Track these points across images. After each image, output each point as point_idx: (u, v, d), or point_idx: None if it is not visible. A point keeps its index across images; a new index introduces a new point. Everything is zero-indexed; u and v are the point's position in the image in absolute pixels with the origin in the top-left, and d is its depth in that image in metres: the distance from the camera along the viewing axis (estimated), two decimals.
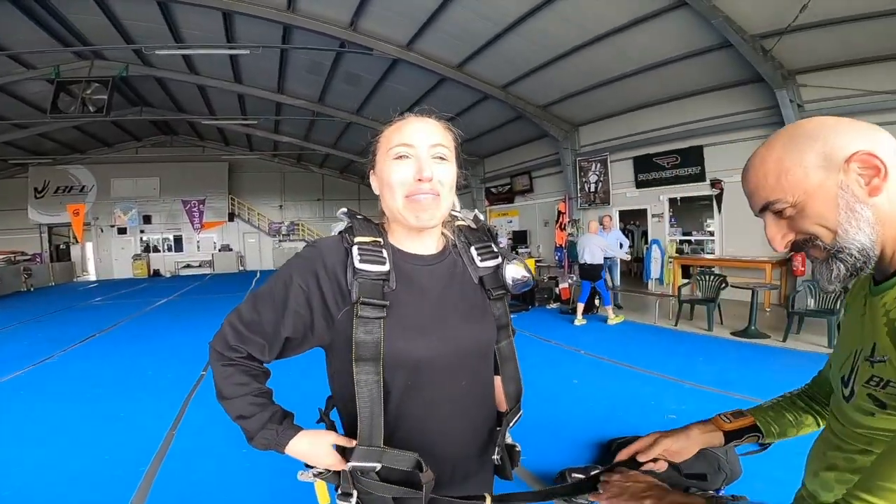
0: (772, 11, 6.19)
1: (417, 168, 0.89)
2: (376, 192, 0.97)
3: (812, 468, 0.85)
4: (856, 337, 0.78)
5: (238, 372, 0.94)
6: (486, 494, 0.98)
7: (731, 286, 6.70)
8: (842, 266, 0.70)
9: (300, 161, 22.80)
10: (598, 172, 11.32)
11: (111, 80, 10.63)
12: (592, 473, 1.00)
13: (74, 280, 19.63)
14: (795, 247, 0.74)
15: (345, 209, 1.00)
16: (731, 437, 0.97)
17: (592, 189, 11.52)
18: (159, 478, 2.90)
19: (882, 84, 6.65)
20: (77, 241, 20.59)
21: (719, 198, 9.06)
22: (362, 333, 0.86)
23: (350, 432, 0.95)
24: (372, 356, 0.86)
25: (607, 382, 4.63)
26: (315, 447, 0.94)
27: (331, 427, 1.03)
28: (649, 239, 10.74)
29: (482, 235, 1.07)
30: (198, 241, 21.97)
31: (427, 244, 0.99)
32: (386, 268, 0.91)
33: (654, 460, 0.98)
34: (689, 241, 10.24)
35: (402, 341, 0.88)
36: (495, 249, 1.06)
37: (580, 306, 7.44)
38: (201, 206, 21.44)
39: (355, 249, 0.90)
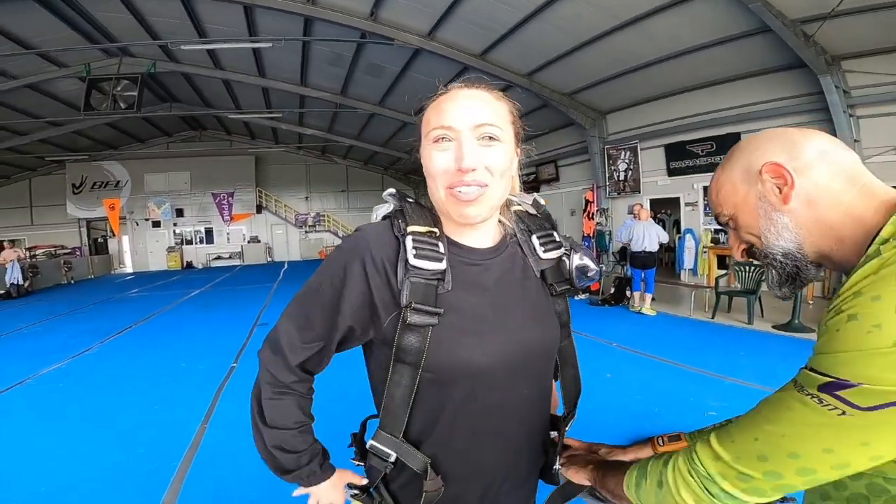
0: None
1: (458, 156, 0.75)
2: (425, 173, 0.84)
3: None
4: None
5: (292, 403, 0.86)
6: None
7: None
8: (773, 271, 0.75)
9: (324, 153, 22.93)
10: (627, 160, 10.98)
11: (140, 77, 10.82)
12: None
13: (112, 272, 20.34)
14: (751, 255, 0.78)
15: (393, 190, 0.88)
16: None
17: (622, 178, 11.19)
18: (191, 473, 2.91)
19: None
20: (114, 235, 21.32)
21: None
22: (406, 340, 0.77)
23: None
24: (412, 362, 0.77)
25: (643, 377, 4.45)
26: (331, 491, 0.93)
27: (361, 452, 0.93)
28: (682, 228, 10.38)
29: (544, 222, 0.95)
30: (227, 234, 22.45)
31: (483, 236, 0.87)
32: (443, 265, 0.78)
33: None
34: (725, 231, 9.83)
35: (460, 349, 0.78)
36: (558, 238, 0.94)
37: (636, 295, 7.37)
38: (230, 198, 21.89)
39: (409, 241, 0.78)
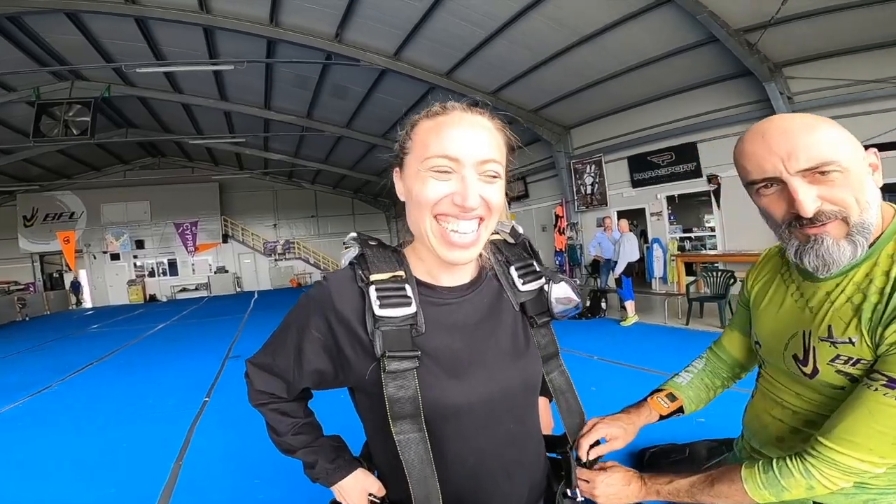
0: (754, 5, 6.20)
1: (461, 193, 0.71)
2: (401, 196, 0.81)
3: (758, 428, 1.00)
4: (793, 321, 0.90)
5: (272, 410, 0.91)
6: None
7: (740, 281, 6.61)
8: (861, 245, 0.76)
9: (292, 178, 22.68)
10: (593, 174, 11.28)
11: (93, 101, 10.44)
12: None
13: (70, 308, 19.30)
14: (813, 220, 0.76)
15: (354, 234, 0.85)
16: (662, 418, 1.13)
17: (589, 191, 11.46)
18: None
19: (868, 73, 6.67)
20: (70, 269, 20.29)
21: (717, 193, 9.01)
22: (394, 389, 0.74)
23: (385, 485, 0.91)
24: (411, 412, 0.74)
25: (627, 388, 4.44)
26: (357, 494, 0.91)
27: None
28: (650, 238, 10.69)
29: (522, 252, 0.92)
30: (192, 264, 21.77)
31: (459, 273, 0.84)
32: (412, 309, 0.76)
33: (598, 444, 1.00)
34: (690, 238, 10.20)
35: (437, 390, 0.76)
36: (538, 269, 0.91)
37: (631, 304, 7.35)
38: (194, 228, 21.25)
39: (372, 291, 0.75)
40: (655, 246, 10.16)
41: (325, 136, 14.40)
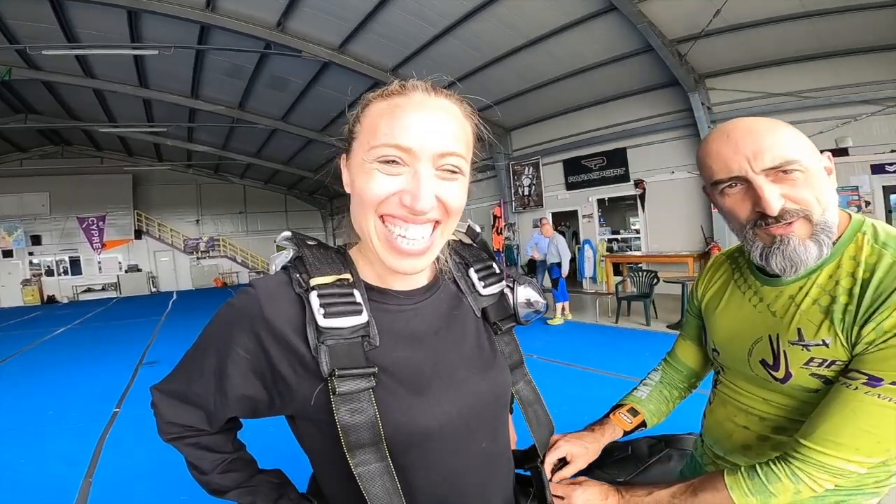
0: (688, 17, 6.65)
1: (412, 192, 0.60)
2: (346, 189, 0.68)
3: (722, 436, 1.00)
4: (756, 326, 0.89)
5: (195, 447, 0.75)
6: None
7: (663, 281, 7.08)
8: (825, 245, 0.78)
9: (218, 171, 21.32)
10: (530, 176, 11.65)
11: None
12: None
13: None
14: (778, 217, 0.77)
15: (288, 233, 0.71)
16: (626, 434, 1.11)
17: (526, 192, 11.82)
18: None
19: (780, 86, 7.39)
20: None
21: (643, 197, 9.64)
22: (347, 414, 0.60)
23: None
24: (370, 440, 0.61)
25: (563, 385, 4.60)
26: None
27: None
28: (581, 239, 11.20)
29: (481, 252, 0.84)
30: (99, 262, 19.70)
31: (412, 277, 0.72)
32: (363, 318, 0.63)
33: (564, 462, 0.98)
34: (617, 240, 10.80)
35: (399, 413, 0.63)
36: (498, 270, 0.83)
37: (562, 305, 7.47)
38: (101, 223, 19.31)
39: (314, 297, 0.62)
40: (587, 247, 10.66)
41: (259, 128, 13.70)
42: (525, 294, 0.82)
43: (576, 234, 12.45)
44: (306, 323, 0.62)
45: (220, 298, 17.10)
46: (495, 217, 12.66)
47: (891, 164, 6.80)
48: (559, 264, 7.32)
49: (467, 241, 0.85)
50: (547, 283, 8.31)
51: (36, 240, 18.73)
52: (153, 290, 20.10)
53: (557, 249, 7.33)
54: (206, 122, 13.92)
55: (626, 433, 1.11)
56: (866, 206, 7.06)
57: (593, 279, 10.69)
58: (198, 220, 21.76)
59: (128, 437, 3.82)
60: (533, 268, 9.76)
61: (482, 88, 9.90)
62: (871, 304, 0.73)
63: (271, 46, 8.91)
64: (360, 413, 0.61)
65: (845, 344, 0.76)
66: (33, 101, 13.41)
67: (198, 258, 21.43)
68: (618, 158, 9.80)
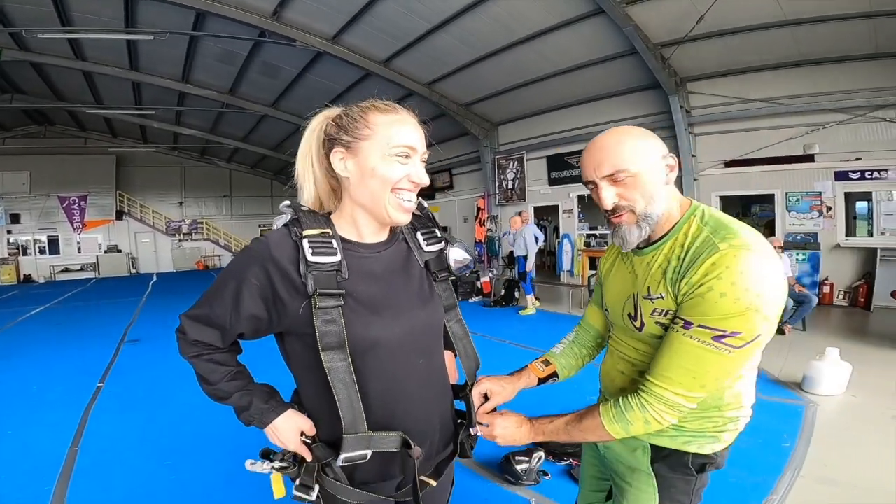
0: (673, 21, 6.82)
1: (416, 174, 0.95)
2: (342, 172, 0.95)
3: (608, 383, 1.23)
4: (627, 287, 1.12)
5: (206, 360, 0.98)
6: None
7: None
8: (639, 229, 1.02)
9: (204, 155, 21.11)
10: (514, 170, 11.86)
11: None
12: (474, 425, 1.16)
13: None
14: (613, 210, 1.02)
15: (288, 202, 1.00)
16: (541, 381, 1.33)
17: (510, 186, 12.03)
18: (71, 495, 2.61)
19: (757, 92, 7.63)
20: None
21: None
22: (323, 323, 0.88)
23: (316, 425, 1.00)
24: (337, 343, 0.88)
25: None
26: (290, 432, 0.98)
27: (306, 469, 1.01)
28: (561, 233, 11.47)
29: (427, 221, 1.12)
30: (78, 243, 19.38)
31: (380, 233, 1.02)
32: (338, 258, 0.92)
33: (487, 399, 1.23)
34: (595, 235, 11.09)
35: (359, 326, 0.91)
36: (439, 234, 1.12)
37: (531, 297, 7.59)
38: (83, 202, 19.02)
39: (305, 243, 0.90)
40: (565, 241, 10.93)
41: (248, 114, 13.70)
42: (455, 253, 1.12)
43: (556, 229, 12.76)
44: (299, 260, 0.90)
45: (201, 281, 16.71)
46: (479, 209, 12.87)
47: (854, 172, 7.06)
48: (526, 257, 7.43)
49: (418, 213, 1.09)
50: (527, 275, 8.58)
51: (15, 218, 18.38)
52: (133, 271, 19.89)
53: (525, 242, 7.44)
54: (196, 107, 13.87)
55: (539, 381, 1.33)
56: (827, 211, 7.36)
57: (570, 272, 10.98)
58: (181, 203, 21.51)
59: (112, 410, 3.92)
60: (513, 259, 10.02)
61: (471, 84, 10.10)
62: (687, 266, 0.95)
63: (266, 35, 8.95)
64: (332, 323, 0.88)
65: (673, 296, 0.97)
66: (20, 81, 13.14)
67: (180, 240, 21.23)
68: None
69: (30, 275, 18.31)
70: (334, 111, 0.99)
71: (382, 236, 1.03)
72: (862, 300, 6.96)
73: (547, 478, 2.60)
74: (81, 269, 19.04)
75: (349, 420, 0.88)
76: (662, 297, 1.00)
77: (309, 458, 0.97)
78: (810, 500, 2.32)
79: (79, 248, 19.41)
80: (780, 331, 5.41)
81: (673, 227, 1.03)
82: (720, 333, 0.89)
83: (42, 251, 18.97)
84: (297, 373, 1.01)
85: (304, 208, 0.98)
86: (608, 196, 1.01)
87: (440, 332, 1.08)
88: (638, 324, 1.08)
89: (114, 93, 13.66)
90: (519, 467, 2.53)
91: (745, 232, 0.93)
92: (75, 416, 3.78)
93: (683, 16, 6.60)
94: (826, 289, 7.34)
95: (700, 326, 0.91)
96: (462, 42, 8.51)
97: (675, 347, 0.95)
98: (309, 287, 0.87)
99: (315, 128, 1.00)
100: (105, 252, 19.65)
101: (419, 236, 1.09)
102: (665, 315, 1.00)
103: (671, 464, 1.09)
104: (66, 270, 18.86)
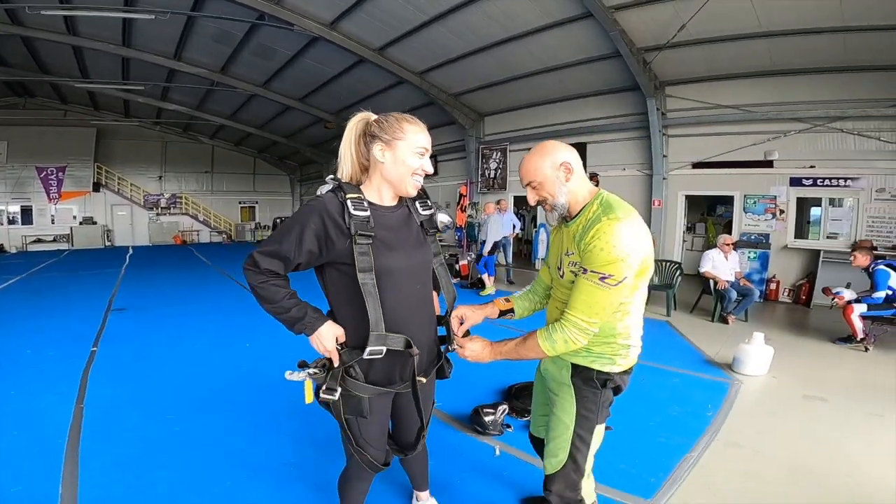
0: (658, 28, 7.14)
1: (426, 165, 1.43)
2: (380, 159, 1.39)
3: (550, 318, 1.65)
4: (559, 248, 1.57)
5: (272, 284, 1.35)
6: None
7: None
8: (556, 213, 1.52)
9: (187, 131, 20.88)
10: (497, 160, 12.19)
11: None
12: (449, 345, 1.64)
13: None
14: (538, 203, 1.53)
15: (332, 175, 1.45)
16: (502, 313, 1.80)
17: (492, 175, 12.36)
18: (83, 450, 2.73)
19: (729, 99, 7.98)
20: None
21: None
22: (360, 254, 1.31)
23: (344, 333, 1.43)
24: (368, 268, 1.32)
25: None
26: (330, 337, 1.39)
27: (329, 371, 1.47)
28: (538, 223, 11.88)
29: (421, 193, 1.56)
30: (53, 214, 19.01)
31: (394, 200, 1.48)
32: (368, 213, 1.35)
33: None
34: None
35: (382, 258, 1.35)
36: (430, 203, 1.59)
37: (490, 279, 8.08)
38: (60, 174, 18.67)
39: (349, 202, 1.33)
40: (541, 230, 11.34)
41: (237, 92, 13.69)
42: (442, 217, 1.68)
43: (534, 219, 13.20)
44: (344, 213, 1.33)
45: (178, 255, 16.41)
46: (461, 195, 13.18)
47: (807, 179, 7.46)
48: (486, 242, 8.05)
49: None
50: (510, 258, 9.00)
51: None
52: (108, 243, 19.64)
53: (488, 228, 8.10)
54: (185, 84, 13.76)
55: (501, 313, 1.80)
56: (780, 214, 7.80)
57: (545, 260, 11.37)
58: (160, 177, 21.27)
59: (110, 371, 4.04)
60: (494, 246, 10.38)
61: (462, 75, 10.36)
62: (584, 232, 1.40)
63: (265, 17, 9.03)
64: (365, 255, 1.32)
65: (578, 252, 1.41)
66: (5, 53, 12.77)
67: (157, 214, 21.03)
68: (579, 152, 10.36)
69: (2, 245, 17.95)
70: (370, 115, 1.45)
71: (395, 202, 1.48)
72: (803, 297, 7.41)
73: (510, 430, 2.98)
74: (54, 240, 18.71)
75: (374, 320, 1.31)
76: (573, 254, 1.46)
77: (337, 363, 1.39)
78: (721, 459, 2.70)
79: (52, 219, 19.04)
80: (723, 320, 5.96)
81: (583, 209, 1.48)
82: (602, 275, 1.34)
83: (12, 221, 18.56)
84: (332, 294, 1.44)
85: (344, 181, 1.42)
86: (531, 197, 1.55)
87: (430, 268, 1.54)
88: (561, 273, 1.54)
89: (101, 67, 13.41)
90: (487, 419, 2.90)
91: (621, 210, 1.38)
92: (75, 377, 3.90)
93: (667, 23, 6.93)
94: (773, 286, 7.78)
95: (591, 271, 1.35)
96: (456, 35, 8.78)
97: (579, 286, 1.39)
98: (352, 230, 1.30)
99: (353, 126, 1.44)
100: (80, 224, 19.34)
101: (417, 204, 1.54)
102: (576, 266, 1.44)
103: (583, 377, 1.54)
104: (39, 241, 18.51)
